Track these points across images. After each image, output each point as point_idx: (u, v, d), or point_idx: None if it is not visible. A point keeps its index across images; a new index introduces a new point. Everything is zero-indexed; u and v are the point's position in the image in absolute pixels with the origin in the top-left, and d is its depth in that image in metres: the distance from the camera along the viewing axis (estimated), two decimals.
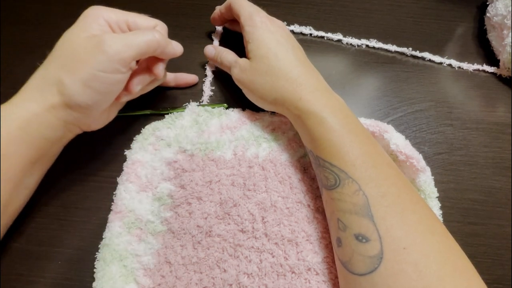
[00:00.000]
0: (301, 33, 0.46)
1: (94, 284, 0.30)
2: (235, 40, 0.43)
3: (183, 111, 0.38)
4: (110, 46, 0.29)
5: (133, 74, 0.33)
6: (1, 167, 0.28)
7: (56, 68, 0.29)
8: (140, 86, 0.33)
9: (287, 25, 0.46)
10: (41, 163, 0.31)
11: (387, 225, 0.25)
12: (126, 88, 0.32)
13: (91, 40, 0.29)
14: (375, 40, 0.46)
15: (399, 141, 0.34)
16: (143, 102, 0.41)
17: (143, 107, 0.40)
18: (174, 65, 0.43)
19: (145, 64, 0.34)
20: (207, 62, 0.43)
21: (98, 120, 0.34)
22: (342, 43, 0.46)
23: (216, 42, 0.45)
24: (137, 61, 0.33)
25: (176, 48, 0.34)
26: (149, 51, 0.31)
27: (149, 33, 0.31)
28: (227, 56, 0.39)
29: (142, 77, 0.33)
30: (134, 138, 0.37)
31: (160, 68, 0.34)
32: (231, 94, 0.41)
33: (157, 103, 0.40)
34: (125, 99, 0.34)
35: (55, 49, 0.30)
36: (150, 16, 0.35)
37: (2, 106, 0.28)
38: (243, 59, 0.36)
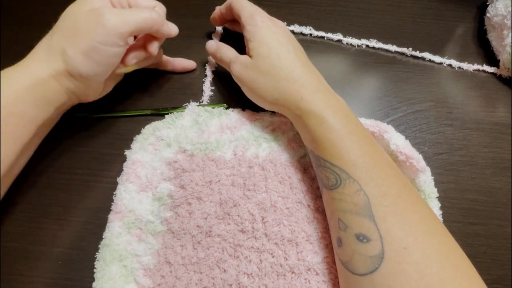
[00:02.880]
0: (301, 33, 0.46)
1: (94, 284, 0.30)
2: (235, 40, 0.43)
3: (183, 111, 0.38)
4: (109, 20, 0.30)
5: (130, 49, 0.35)
6: (12, 125, 0.29)
7: (60, 39, 0.31)
8: (135, 60, 0.35)
9: (287, 25, 0.46)
10: (43, 128, 0.33)
11: (387, 225, 0.25)
12: (122, 60, 0.34)
13: (92, 14, 0.31)
14: (375, 40, 0.46)
15: (399, 141, 0.34)
16: (143, 102, 0.41)
17: (143, 107, 0.40)
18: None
19: (142, 41, 0.36)
20: (207, 62, 0.43)
21: (96, 91, 0.35)
22: (342, 43, 0.46)
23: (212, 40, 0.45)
24: (135, 38, 0.36)
25: (171, 28, 0.36)
26: (145, 28, 0.33)
27: (146, 11, 0.33)
28: (227, 52, 0.39)
29: (137, 52, 0.35)
30: (134, 138, 0.37)
31: (154, 46, 0.35)
32: (231, 94, 0.41)
33: (157, 103, 0.40)
34: (121, 71, 0.36)
35: (60, 20, 0.32)
36: None
37: (9, 68, 0.31)
38: (245, 56, 0.36)
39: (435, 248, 0.25)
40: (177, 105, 0.40)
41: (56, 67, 0.31)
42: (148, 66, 0.41)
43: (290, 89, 0.33)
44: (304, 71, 0.33)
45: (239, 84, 0.37)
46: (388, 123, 0.38)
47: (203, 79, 0.42)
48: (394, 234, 0.25)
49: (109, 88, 0.38)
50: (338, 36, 0.46)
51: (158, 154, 0.36)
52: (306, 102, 0.31)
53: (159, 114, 0.39)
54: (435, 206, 0.34)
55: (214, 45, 0.40)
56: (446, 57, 0.45)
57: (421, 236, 0.25)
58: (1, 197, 0.32)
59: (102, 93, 0.37)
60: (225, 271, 0.31)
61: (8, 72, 0.30)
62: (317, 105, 0.31)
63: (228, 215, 0.33)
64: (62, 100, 0.33)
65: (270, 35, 0.35)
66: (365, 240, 0.26)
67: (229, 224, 0.32)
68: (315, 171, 0.33)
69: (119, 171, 0.35)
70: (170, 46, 0.44)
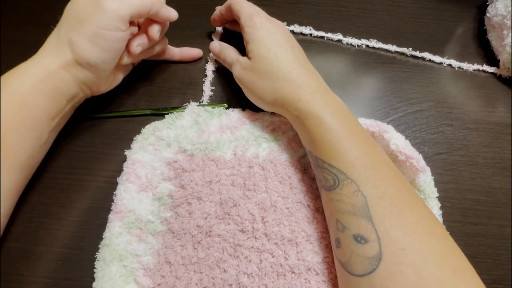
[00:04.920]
0: (301, 33, 0.46)
1: (94, 284, 0.30)
2: (235, 40, 0.43)
3: (183, 111, 0.38)
4: (108, 5, 0.31)
5: (134, 37, 0.36)
6: (27, 116, 0.31)
7: (67, 29, 0.32)
8: (140, 48, 0.36)
9: (287, 25, 0.46)
10: (57, 120, 0.34)
11: (385, 226, 0.25)
12: (127, 49, 0.35)
13: (92, 1, 0.32)
14: (375, 40, 0.46)
15: (399, 141, 0.34)
16: (143, 102, 0.41)
17: (143, 107, 0.40)
18: (174, 64, 0.43)
19: (144, 29, 0.36)
20: (207, 62, 0.43)
21: (105, 81, 0.37)
22: (342, 43, 0.46)
23: (215, 41, 0.45)
24: (139, 27, 0.37)
25: (170, 12, 0.37)
26: (144, 10, 0.34)
27: None
28: (230, 53, 0.39)
29: (141, 39, 0.36)
30: (134, 138, 0.37)
31: (155, 30, 0.36)
32: (231, 94, 0.41)
33: (157, 103, 0.40)
34: (127, 60, 0.36)
35: (65, 12, 0.33)
36: None
37: (23, 63, 0.32)
38: (244, 58, 0.36)
39: (433, 249, 0.25)
40: (177, 105, 0.40)
41: (65, 58, 0.32)
42: (156, 58, 0.42)
43: (288, 90, 0.33)
44: (303, 71, 0.33)
45: (240, 85, 0.37)
46: (388, 123, 0.38)
47: (203, 79, 0.42)
48: (392, 235, 0.25)
49: (118, 80, 0.38)
50: (338, 36, 0.46)
51: (158, 154, 0.36)
52: (304, 102, 0.31)
53: (159, 114, 0.39)
54: (435, 206, 0.34)
55: (217, 46, 0.41)
56: (446, 57, 0.45)
57: (419, 237, 0.25)
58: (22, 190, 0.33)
59: (112, 84, 0.38)
60: (225, 271, 0.31)
61: (22, 66, 0.32)
62: (315, 105, 0.31)
63: (228, 215, 0.33)
64: (73, 91, 0.34)
65: (268, 36, 0.35)
66: (363, 241, 0.26)
67: (229, 224, 0.32)
68: (313, 172, 0.33)
69: (119, 171, 0.35)
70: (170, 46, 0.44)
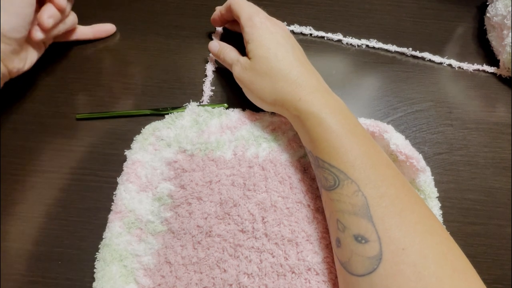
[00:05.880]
0: (301, 33, 0.46)
1: (94, 284, 0.30)
2: (235, 40, 0.43)
3: (183, 111, 0.38)
4: None
5: (41, 9, 0.35)
6: None
7: None
8: (52, 20, 0.35)
9: (287, 25, 0.46)
10: None
11: (385, 225, 0.25)
12: (39, 24, 0.35)
13: None
14: (375, 40, 0.46)
15: (399, 141, 0.34)
16: (143, 102, 0.41)
17: (143, 107, 0.40)
18: (174, 64, 0.43)
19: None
20: (207, 62, 0.43)
21: (19, 57, 0.36)
22: (342, 43, 0.46)
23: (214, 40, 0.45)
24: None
25: None
26: None
27: None
28: (230, 53, 0.39)
29: (50, 9, 0.35)
30: (134, 138, 0.37)
31: None
32: (231, 94, 0.41)
33: (157, 103, 0.40)
34: (40, 35, 0.36)
35: None
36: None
37: None
38: (244, 58, 0.36)
39: (433, 249, 0.25)
40: (177, 105, 0.40)
41: None
42: (67, 38, 0.42)
43: (288, 89, 0.33)
44: (303, 71, 0.33)
45: (240, 85, 0.37)
46: (388, 123, 0.38)
47: (203, 79, 0.42)
48: (392, 235, 0.25)
49: (32, 57, 0.38)
50: (338, 36, 0.46)
51: (158, 154, 0.36)
52: (304, 102, 0.31)
53: (159, 114, 0.39)
54: (435, 206, 0.34)
55: (217, 46, 0.41)
56: (446, 57, 0.45)
57: (419, 237, 0.25)
58: None
59: (27, 63, 0.37)
60: (225, 271, 0.31)
61: None
62: (315, 105, 0.31)
63: (228, 215, 0.33)
64: None
65: (268, 36, 0.35)
66: (363, 241, 0.26)
67: (229, 224, 0.32)
68: (314, 172, 0.33)
69: (119, 171, 0.35)
70: (170, 46, 0.44)
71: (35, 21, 0.35)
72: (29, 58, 0.37)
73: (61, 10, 0.37)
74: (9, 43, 0.34)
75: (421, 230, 0.26)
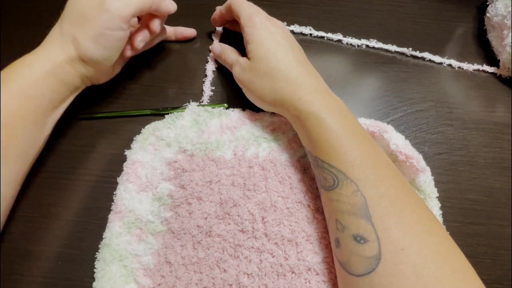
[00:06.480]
0: (301, 33, 0.46)
1: (94, 284, 0.30)
2: (235, 40, 0.43)
3: (183, 111, 0.38)
4: (111, 5, 0.32)
5: (136, 32, 0.37)
6: (33, 107, 0.32)
7: (70, 26, 0.33)
8: (143, 43, 0.38)
9: (287, 25, 0.46)
10: (59, 109, 0.35)
11: (385, 225, 0.25)
12: (131, 45, 0.37)
13: (95, 0, 0.33)
14: (375, 40, 0.46)
15: (399, 141, 0.34)
16: (143, 102, 0.41)
17: (143, 107, 0.40)
18: (174, 64, 0.43)
19: (145, 23, 0.38)
20: (207, 62, 0.43)
21: (106, 74, 0.38)
22: (342, 43, 0.46)
23: (216, 42, 0.45)
24: (139, 20, 0.39)
25: (169, 5, 0.38)
26: (145, 8, 0.35)
27: None
28: (230, 54, 0.39)
29: (143, 35, 0.37)
30: (134, 138, 0.37)
31: (156, 24, 0.37)
32: (231, 94, 0.41)
33: (157, 103, 0.40)
34: (129, 54, 0.38)
35: (66, 8, 0.34)
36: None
37: (28, 54, 0.33)
38: (244, 58, 0.37)
39: (433, 249, 0.25)
40: (177, 105, 0.40)
41: (69, 53, 0.33)
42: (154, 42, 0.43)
43: (288, 89, 0.33)
44: (302, 71, 0.33)
45: (240, 86, 0.37)
46: (388, 123, 0.38)
47: (203, 79, 0.42)
48: (392, 235, 0.25)
49: (117, 71, 0.40)
50: (338, 36, 0.46)
51: (158, 154, 0.36)
52: (303, 102, 0.31)
53: (159, 114, 0.39)
54: (435, 206, 0.34)
55: (218, 48, 0.41)
56: (446, 57, 0.45)
57: (418, 237, 0.25)
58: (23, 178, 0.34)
59: (112, 76, 0.39)
60: (225, 271, 0.31)
61: (27, 58, 0.33)
62: (315, 105, 0.31)
63: (228, 215, 0.33)
64: (76, 83, 0.35)
65: (268, 36, 0.35)
66: (362, 241, 0.26)
67: (229, 224, 0.32)
68: (313, 172, 0.33)
69: (119, 171, 0.35)
70: (170, 46, 0.44)
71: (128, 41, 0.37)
72: (115, 71, 0.40)
73: (153, 34, 0.38)
74: (101, 69, 0.36)
75: (420, 230, 0.26)
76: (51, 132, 0.35)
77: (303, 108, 0.31)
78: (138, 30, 0.37)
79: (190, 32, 0.45)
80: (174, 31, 0.44)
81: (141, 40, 0.37)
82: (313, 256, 0.31)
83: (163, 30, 0.42)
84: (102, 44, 0.33)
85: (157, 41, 0.42)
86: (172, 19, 0.45)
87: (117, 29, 0.33)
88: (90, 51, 0.33)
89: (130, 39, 0.37)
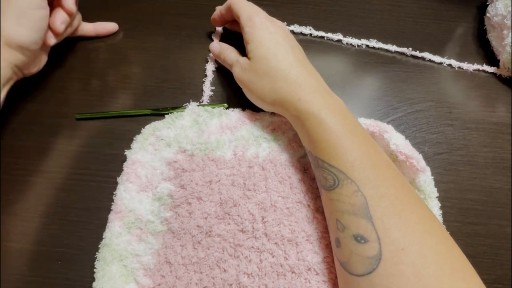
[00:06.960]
0: (301, 33, 0.46)
1: (94, 284, 0.30)
2: (235, 40, 0.43)
3: (183, 111, 0.38)
4: None
5: (52, 16, 0.37)
6: None
7: None
8: (64, 25, 0.38)
9: (287, 25, 0.46)
10: None
11: (385, 225, 0.25)
12: (52, 30, 0.37)
13: None
14: (375, 40, 0.46)
15: (399, 141, 0.34)
16: (143, 102, 0.41)
17: (143, 107, 0.40)
18: (174, 64, 0.43)
19: (58, 4, 0.38)
20: (207, 62, 0.43)
21: (35, 61, 0.38)
22: (342, 43, 0.46)
23: (215, 41, 0.45)
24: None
25: None
26: None
27: None
28: (230, 54, 0.39)
29: (61, 15, 0.37)
30: (134, 138, 0.37)
31: (69, 2, 0.37)
32: (231, 94, 0.41)
33: (157, 103, 0.40)
34: (52, 41, 0.38)
35: None
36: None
37: None
38: (244, 58, 0.37)
39: (433, 249, 0.25)
40: (177, 105, 0.40)
41: None
42: (71, 35, 0.43)
43: (288, 89, 0.33)
44: (302, 71, 0.33)
45: (240, 86, 0.37)
46: (388, 123, 0.38)
47: (203, 79, 0.42)
48: (392, 235, 0.25)
49: (44, 60, 0.40)
50: (338, 36, 0.46)
51: (158, 154, 0.36)
52: (303, 102, 0.31)
53: (159, 114, 0.39)
54: (435, 206, 0.34)
55: (217, 47, 0.41)
56: (446, 57, 0.45)
57: (418, 237, 0.25)
58: None
59: (40, 65, 0.39)
60: (225, 271, 0.31)
61: None
62: (315, 105, 0.31)
63: (228, 215, 0.33)
64: (7, 74, 0.35)
65: (268, 36, 0.35)
66: (362, 241, 0.26)
67: (229, 224, 0.32)
68: (313, 172, 0.33)
69: (119, 171, 0.35)
70: (170, 46, 0.44)
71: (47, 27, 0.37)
72: (42, 60, 0.39)
73: (71, 14, 0.38)
74: (29, 54, 0.36)
75: (420, 230, 0.26)
76: None
77: (303, 108, 0.31)
78: (53, 13, 0.37)
79: (111, 26, 0.45)
80: (93, 27, 0.44)
81: (62, 22, 0.37)
82: (313, 256, 0.31)
83: (78, 14, 0.42)
84: (25, 25, 0.34)
85: (75, 25, 0.42)
86: (172, 19, 0.45)
87: (37, 7, 0.34)
88: (16, 34, 0.33)
89: (50, 25, 0.37)
